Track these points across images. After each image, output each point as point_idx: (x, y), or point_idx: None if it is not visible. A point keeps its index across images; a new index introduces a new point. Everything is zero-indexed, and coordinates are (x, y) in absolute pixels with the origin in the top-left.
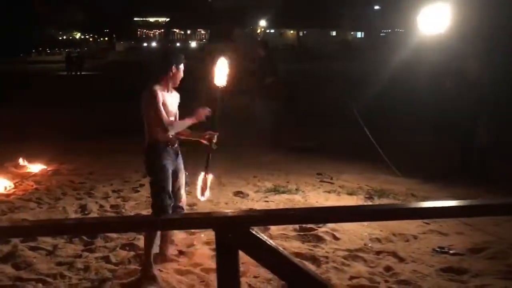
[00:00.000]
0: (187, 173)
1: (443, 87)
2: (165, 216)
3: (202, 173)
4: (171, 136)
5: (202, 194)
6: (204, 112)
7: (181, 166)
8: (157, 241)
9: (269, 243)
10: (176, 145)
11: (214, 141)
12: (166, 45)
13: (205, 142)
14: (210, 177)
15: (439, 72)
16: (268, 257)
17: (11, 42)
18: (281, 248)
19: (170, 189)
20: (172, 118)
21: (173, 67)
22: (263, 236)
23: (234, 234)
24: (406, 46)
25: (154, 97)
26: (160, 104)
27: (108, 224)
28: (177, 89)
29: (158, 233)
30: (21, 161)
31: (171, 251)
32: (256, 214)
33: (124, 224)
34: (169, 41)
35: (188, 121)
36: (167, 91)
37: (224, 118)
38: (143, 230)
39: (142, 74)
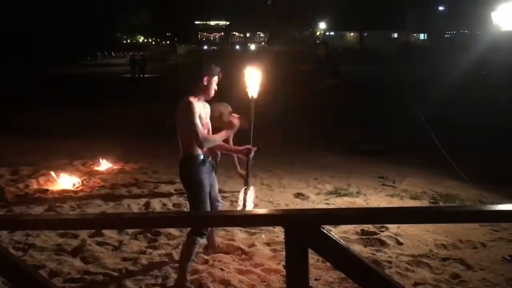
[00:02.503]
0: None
1: None
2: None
3: (244, 188)
4: (205, 149)
5: (244, 206)
6: (236, 122)
7: (215, 179)
8: (194, 253)
9: (340, 242)
10: (211, 158)
11: (251, 155)
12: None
13: (242, 157)
14: (251, 189)
15: None
16: (339, 256)
17: (79, 45)
18: (352, 249)
19: (209, 203)
20: (206, 131)
21: (206, 78)
22: (334, 235)
23: (305, 232)
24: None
25: (191, 109)
26: (197, 117)
27: (176, 218)
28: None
29: (198, 245)
30: (103, 161)
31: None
32: (327, 212)
33: (195, 218)
34: (228, 44)
35: (222, 135)
36: (201, 103)
37: (285, 118)
38: (216, 226)
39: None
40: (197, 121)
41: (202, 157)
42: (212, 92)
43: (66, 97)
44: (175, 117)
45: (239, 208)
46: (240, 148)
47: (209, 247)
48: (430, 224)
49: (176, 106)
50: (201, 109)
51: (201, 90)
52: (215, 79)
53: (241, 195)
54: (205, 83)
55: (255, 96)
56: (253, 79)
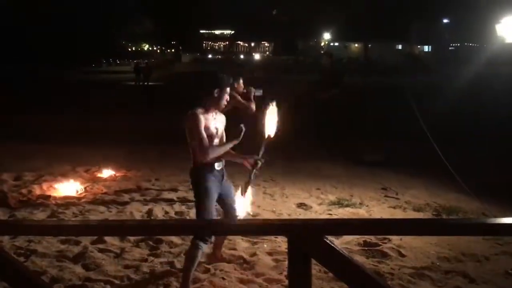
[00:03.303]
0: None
1: None
2: (244, 220)
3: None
4: (211, 159)
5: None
6: (241, 131)
7: (229, 187)
8: (197, 260)
9: (344, 253)
10: (221, 167)
11: (258, 167)
12: (230, 57)
13: (248, 166)
14: (249, 190)
15: None
16: (343, 267)
17: (84, 52)
18: (356, 260)
19: (214, 212)
20: (216, 141)
21: (216, 90)
22: (337, 246)
23: (308, 242)
24: (480, 59)
25: (194, 120)
26: (201, 128)
27: (178, 226)
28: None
29: (200, 251)
30: (105, 168)
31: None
32: (331, 222)
33: (198, 227)
34: (233, 53)
35: (229, 144)
36: (210, 114)
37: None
38: (218, 234)
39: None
40: (201, 131)
41: (211, 165)
42: (224, 103)
43: (70, 103)
44: (184, 126)
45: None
46: (248, 157)
47: (212, 257)
48: (433, 237)
49: (185, 115)
50: (210, 120)
51: (211, 101)
52: (227, 90)
53: (238, 195)
54: (216, 95)
55: (271, 135)
56: (272, 118)
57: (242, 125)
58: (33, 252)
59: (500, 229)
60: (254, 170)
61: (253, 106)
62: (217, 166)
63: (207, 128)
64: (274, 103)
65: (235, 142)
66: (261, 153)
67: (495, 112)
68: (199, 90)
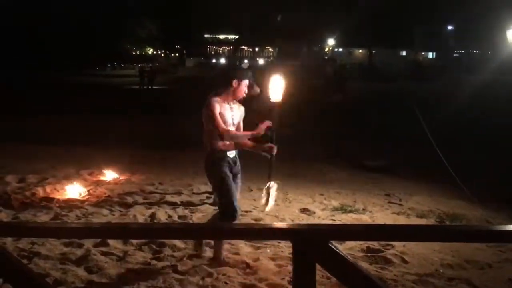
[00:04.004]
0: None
1: None
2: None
3: (267, 184)
4: (227, 144)
5: (266, 204)
6: (265, 125)
7: (238, 174)
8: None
9: (348, 259)
10: (234, 154)
11: (274, 153)
12: (235, 61)
13: (264, 153)
14: (274, 186)
15: None
16: (347, 273)
17: (88, 55)
18: (360, 265)
19: (235, 192)
20: (231, 129)
21: (235, 81)
22: (342, 251)
23: (313, 248)
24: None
25: (210, 106)
26: (216, 113)
27: (181, 230)
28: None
29: None
30: (109, 171)
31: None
32: (336, 228)
33: (201, 231)
34: (237, 58)
35: (247, 133)
36: (227, 104)
37: (291, 132)
38: (223, 238)
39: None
40: (217, 116)
41: (223, 152)
42: (241, 95)
43: (74, 106)
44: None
45: (263, 203)
46: (264, 146)
47: (214, 261)
48: (436, 243)
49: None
50: (226, 109)
51: (229, 92)
52: (245, 83)
53: (264, 192)
54: (234, 86)
55: (278, 100)
56: (277, 85)
57: (268, 122)
58: (36, 254)
59: (504, 236)
60: (273, 157)
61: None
62: (230, 153)
63: (222, 115)
64: (277, 75)
65: (254, 133)
66: (273, 137)
67: (500, 120)
68: (218, 81)
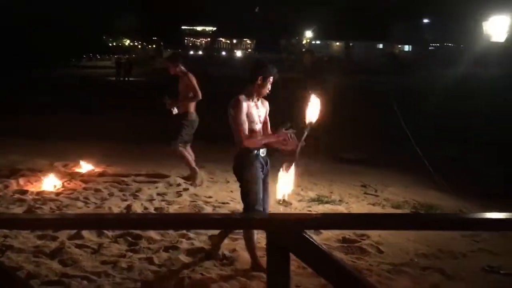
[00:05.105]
0: None
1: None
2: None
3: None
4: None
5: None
6: (285, 136)
7: (267, 175)
8: (255, 237)
9: (322, 248)
10: (265, 153)
11: (298, 150)
12: (212, 53)
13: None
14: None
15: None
16: (320, 262)
17: (63, 47)
18: (334, 255)
19: (261, 195)
20: (258, 127)
21: (260, 77)
22: (315, 241)
23: (287, 237)
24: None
25: (237, 106)
26: (243, 115)
27: (157, 220)
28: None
29: (255, 232)
30: (85, 163)
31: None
32: (310, 217)
33: (177, 221)
34: (214, 50)
35: (266, 139)
36: (252, 101)
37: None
38: (197, 228)
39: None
40: (242, 119)
41: (254, 151)
42: (266, 92)
43: (49, 99)
44: (228, 112)
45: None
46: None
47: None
48: (411, 233)
49: (229, 103)
50: (252, 107)
51: (254, 89)
52: (271, 80)
53: (280, 176)
54: (259, 82)
55: (312, 121)
56: (315, 106)
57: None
58: (9, 247)
59: (475, 223)
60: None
61: None
62: (262, 152)
63: (249, 115)
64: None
65: (274, 138)
66: (303, 138)
67: (476, 112)
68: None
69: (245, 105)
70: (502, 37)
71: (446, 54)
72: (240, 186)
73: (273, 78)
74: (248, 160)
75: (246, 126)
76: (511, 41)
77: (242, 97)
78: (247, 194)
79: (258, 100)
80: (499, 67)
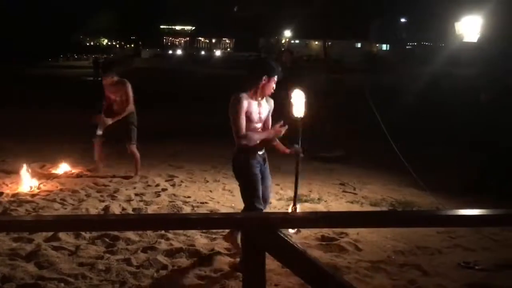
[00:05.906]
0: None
1: (483, 100)
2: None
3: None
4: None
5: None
6: (281, 129)
7: (267, 171)
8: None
9: (297, 246)
10: (263, 151)
11: (300, 154)
12: (191, 53)
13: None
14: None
15: (476, 86)
16: (296, 261)
17: (39, 46)
18: (309, 253)
19: (261, 193)
20: (258, 125)
21: (264, 77)
22: (291, 239)
23: (262, 236)
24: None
25: (237, 105)
26: (242, 113)
27: (134, 221)
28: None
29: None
30: (61, 164)
31: None
32: (285, 216)
33: (154, 221)
34: (194, 49)
35: (264, 135)
36: (255, 100)
37: None
38: (175, 228)
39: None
40: (241, 118)
41: (254, 150)
42: (270, 91)
43: (25, 98)
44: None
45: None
46: (289, 148)
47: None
48: (388, 231)
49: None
50: (254, 106)
51: (257, 88)
52: (275, 79)
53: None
54: (264, 82)
55: (301, 116)
56: (299, 100)
57: (285, 127)
58: None
59: (450, 220)
60: (299, 156)
61: None
62: (260, 151)
63: (250, 113)
64: (299, 88)
65: (271, 134)
66: (299, 141)
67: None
68: (248, 76)
69: (245, 103)
70: (474, 38)
71: (423, 53)
72: (240, 185)
73: (278, 78)
74: (246, 159)
75: (244, 124)
76: (483, 42)
77: (244, 95)
78: (246, 193)
79: (262, 99)
80: (473, 67)
